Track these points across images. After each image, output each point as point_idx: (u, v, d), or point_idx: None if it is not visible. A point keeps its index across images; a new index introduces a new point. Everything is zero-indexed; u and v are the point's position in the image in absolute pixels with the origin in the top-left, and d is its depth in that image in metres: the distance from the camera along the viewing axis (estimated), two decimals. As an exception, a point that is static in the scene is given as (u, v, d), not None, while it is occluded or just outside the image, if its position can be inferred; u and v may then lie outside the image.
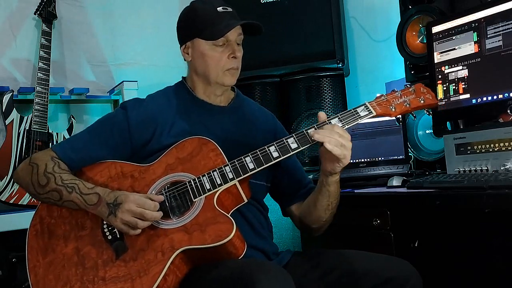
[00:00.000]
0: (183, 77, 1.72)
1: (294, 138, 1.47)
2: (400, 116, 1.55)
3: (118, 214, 1.42)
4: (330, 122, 1.48)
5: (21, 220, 2.21)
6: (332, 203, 1.57)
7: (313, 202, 1.61)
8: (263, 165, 1.46)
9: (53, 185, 1.48)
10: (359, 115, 1.49)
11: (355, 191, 2.03)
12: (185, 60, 1.67)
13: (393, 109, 1.51)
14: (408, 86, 1.56)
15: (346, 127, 1.48)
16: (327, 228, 1.62)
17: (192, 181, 1.47)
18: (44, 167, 1.50)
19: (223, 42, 1.58)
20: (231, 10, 1.60)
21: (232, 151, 1.50)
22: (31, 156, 1.58)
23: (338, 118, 1.49)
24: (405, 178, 1.95)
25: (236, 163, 1.46)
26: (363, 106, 1.51)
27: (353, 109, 1.50)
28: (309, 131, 1.47)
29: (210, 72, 1.60)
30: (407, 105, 1.52)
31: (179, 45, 1.66)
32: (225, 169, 1.46)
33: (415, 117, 1.60)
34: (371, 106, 1.50)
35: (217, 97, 1.66)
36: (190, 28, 1.62)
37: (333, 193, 1.55)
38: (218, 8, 1.57)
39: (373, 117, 1.51)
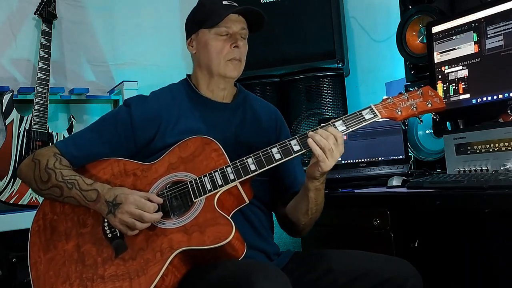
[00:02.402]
0: (187, 75, 1.72)
1: (297, 140, 1.46)
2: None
3: (117, 214, 1.42)
4: (334, 125, 1.47)
5: (21, 220, 2.21)
6: (311, 209, 1.55)
7: (294, 204, 1.61)
8: (265, 167, 1.45)
9: (54, 181, 1.48)
10: (364, 118, 1.47)
11: (355, 191, 2.03)
12: (190, 52, 1.69)
13: (399, 113, 1.48)
14: (416, 89, 1.52)
15: (350, 130, 1.46)
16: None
17: (193, 181, 1.47)
18: (45, 163, 1.51)
19: (226, 32, 1.59)
20: (237, 4, 1.61)
21: (235, 149, 1.50)
22: (34, 152, 1.59)
23: (342, 121, 1.47)
24: (405, 178, 1.94)
25: (238, 164, 1.46)
26: (368, 109, 1.48)
27: (358, 112, 1.48)
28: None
29: (213, 62, 1.60)
30: (414, 108, 1.48)
31: (186, 40, 1.69)
32: (226, 170, 1.46)
33: (421, 121, 1.56)
34: (377, 109, 1.48)
35: (220, 91, 1.66)
36: (195, 20, 1.65)
37: (312, 199, 1.52)
38: (223, 2, 1.60)
39: (378, 120, 1.48)
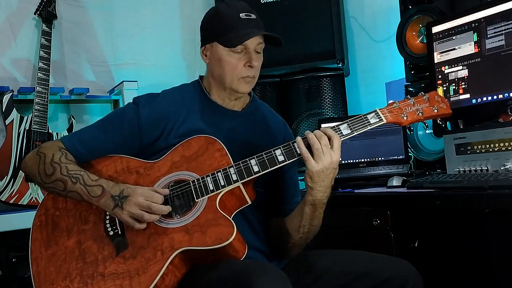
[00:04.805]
0: (200, 76, 1.70)
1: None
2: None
3: (125, 207, 1.42)
4: (339, 128, 1.46)
5: (21, 220, 2.21)
6: (304, 227, 1.52)
7: (288, 218, 1.58)
8: (268, 169, 1.45)
9: (58, 175, 1.48)
10: (369, 122, 1.46)
11: (355, 191, 2.03)
12: (203, 60, 1.65)
13: (405, 118, 1.47)
14: (422, 94, 1.51)
15: (355, 133, 1.46)
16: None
17: (196, 181, 1.46)
18: (51, 157, 1.51)
19: (241, 49, 1.55)
20: (255, 17, 1.57)
21: (239, 154, 1.49)
22: (39, 146, 1.58)
23: (347, 124, 1.46)
24: (405, 178, 1.95)
25: (241, 165, 1.45)
26: (374, 113, 1.47)
27: (363, 115, 1.48)
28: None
29: (226, 78, 1.57)
30: (420, 113, 1.47)
31: (200, 45, 1.64)
32: (229, 170, 1.45)
33: (426, 126, 1.56)
34: (382, 114, 1.47)
35: (231, 102, 1.64)
36: (211, 31, 1.59)
37: (307, 215, 1.49)
38: (241, 14, 1.54)
39: (383, 124, 1.47)
